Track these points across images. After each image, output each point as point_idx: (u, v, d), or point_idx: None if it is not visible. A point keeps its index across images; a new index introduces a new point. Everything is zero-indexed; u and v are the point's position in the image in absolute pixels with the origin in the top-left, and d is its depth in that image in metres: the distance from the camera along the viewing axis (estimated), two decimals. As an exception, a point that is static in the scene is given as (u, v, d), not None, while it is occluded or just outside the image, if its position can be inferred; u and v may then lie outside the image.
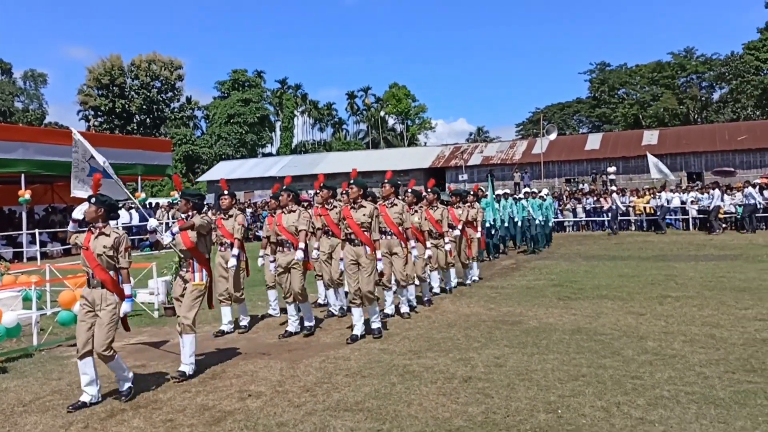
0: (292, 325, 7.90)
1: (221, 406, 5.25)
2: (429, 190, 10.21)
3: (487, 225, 15.20)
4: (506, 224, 16.72)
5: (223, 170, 44.19)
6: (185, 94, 65.38)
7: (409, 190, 9.58)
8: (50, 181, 25.38)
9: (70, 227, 5.71)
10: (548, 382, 5.49)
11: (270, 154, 61.20)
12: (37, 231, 19.79)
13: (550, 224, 19.01)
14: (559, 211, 25.14)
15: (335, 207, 8.58)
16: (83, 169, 9.24)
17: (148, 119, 61.30)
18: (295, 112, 69.60)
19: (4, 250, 19.96)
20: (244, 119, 59.47)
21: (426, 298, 9.63)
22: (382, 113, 73.76)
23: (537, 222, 17.43)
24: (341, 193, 8.73)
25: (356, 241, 7.39)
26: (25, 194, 20.33)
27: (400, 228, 8.33)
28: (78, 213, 5.79)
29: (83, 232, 5.61)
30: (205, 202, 6.65)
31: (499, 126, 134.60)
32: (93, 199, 5.55)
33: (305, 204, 8.74)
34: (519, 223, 17.21)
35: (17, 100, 58.80)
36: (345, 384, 5.69)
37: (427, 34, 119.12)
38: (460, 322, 8.28)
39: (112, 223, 5.72)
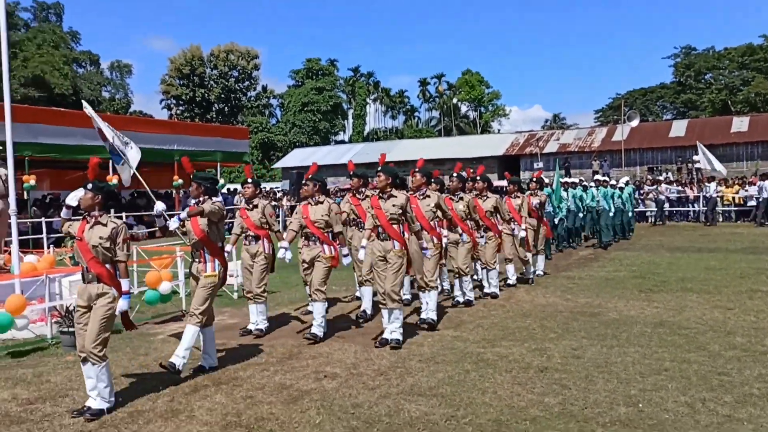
0: (318, 328, 6.98)
1: (298, 385, 5.37)
2: (478, 177, 9.23)
3: (555, 215, 14.51)
4: (579, 214, 15.73)
5: (297, 158, 45.02)
6: (261, 83, 66.89)
7: (454, 174, 8.72)
8: (136, 167, 26.62)
9: (63, 214, 5.21)
10: (628, 376, 5.33)
11: (342, 142, 61.82)
12: (124, 214, 20.82)
13: (630, 214, 18.09)
14: (640, 201, 24.22)
15: (368, 196, 7.83)
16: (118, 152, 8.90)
17: (226, 108, 63.10)
18: (368, 100, 69.99)
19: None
20: (318, 107, 60.28)
21: (466, 298, 8.60)
22: (454, 100, 73.06)
23: (608, 212, 15.94)
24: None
25: (383, 235, 6.65)
26: (113, 179, 21.37)
27: (432, 222, 7.45)
28: (72, 199, 5.10)
29: (78, 220, 5.11)
30: (220, 186, 6.35)
31: (576, 113, 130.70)
32: (89, 185, 4.96)
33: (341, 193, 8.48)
34: (586, 214, 16.12)
35: (104, 90, 61.68)
36: (418, 369, 5.71)
37: (501, 19, 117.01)
38: (536, 312, 8.14)
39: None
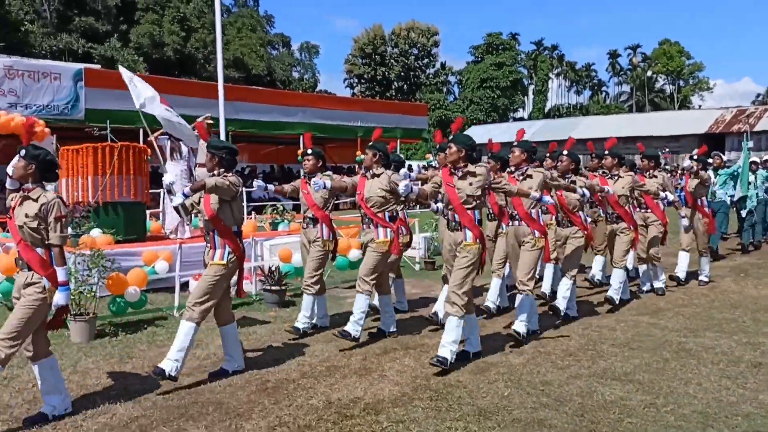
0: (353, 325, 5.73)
1: (484, 357, 5.38)
2: (606, 152, 7.39)
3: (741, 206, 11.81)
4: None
5: (474, 135, 44.66)
6: (440, 60, 67.13)
7: (564, 153, 6.71)
8: (321, 143, 28.28)
9: (8, 184, 4.16)
10: None
11: (521, 119, 60.35)
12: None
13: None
14: None
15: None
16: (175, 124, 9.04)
17: (405, 85, 64.32)
18: (550, 75, 67.45)
19: (287, 201, 22.73)
20: (497, 83, 59.27)
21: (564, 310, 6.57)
22: (649, 73, 67.89)
23: None
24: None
25: (453, 224, 5.20)
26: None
27: (531, 211, 5.97)
28: (10, 168, 4.13)
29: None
30: (239, 159, 5.08)
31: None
32: (22, 151, 4.00)
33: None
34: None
35: (294, 70, 65.66)
36: (611, 353, 5.43)
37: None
38: (746, 303, 7.36)
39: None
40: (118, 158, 8.94)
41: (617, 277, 7.19)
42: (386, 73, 63.14)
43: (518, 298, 5.91)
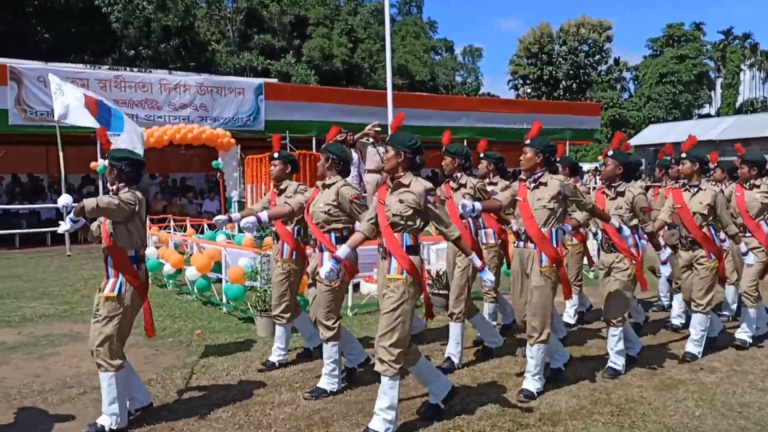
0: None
1: (670, 373, 5.03)
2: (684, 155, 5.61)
3: None
4: None
5: (653, 134, 41.94)
6: (613, 55, 63.75)
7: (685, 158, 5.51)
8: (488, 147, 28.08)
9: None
10: None
11: (708, 115, 55.38)
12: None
13: None
14: None
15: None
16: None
17: (574, 84, 61.90)
18: (742, 66, 61.17)
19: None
20: (678, 78, 54.94)
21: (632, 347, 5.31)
22: None
23: None
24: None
25: (524, 235, 4.57)
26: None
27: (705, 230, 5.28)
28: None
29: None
30: (144, 170, 4.30)
31: None
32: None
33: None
34: None
35: (457, 74, 65.90)
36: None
37: None
38: None
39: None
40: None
41: (697, 323, 5.41)
42: (553, 72, 61.21)
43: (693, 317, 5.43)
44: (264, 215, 4.71)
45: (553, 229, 4.45)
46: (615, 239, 4.90)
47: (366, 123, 10.34)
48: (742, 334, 5.74)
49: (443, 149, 5.40)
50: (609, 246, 4.99)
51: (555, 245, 4.44)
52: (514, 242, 4.77)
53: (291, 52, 37.11)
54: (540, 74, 61.27)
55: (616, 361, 4.95)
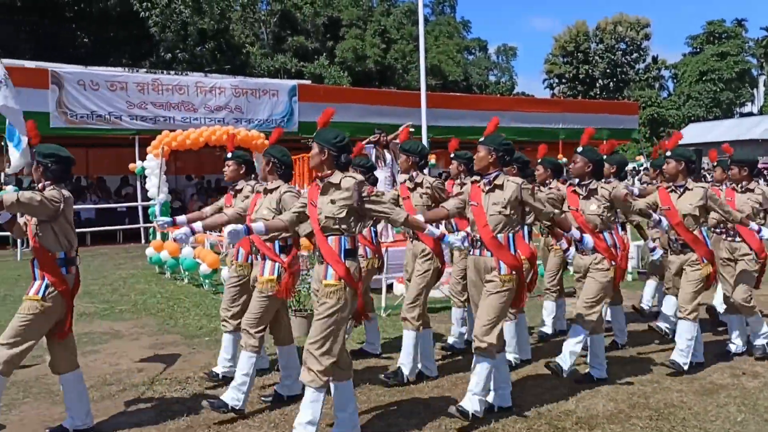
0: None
1: (711, 378, 4.90)
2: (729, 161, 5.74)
3: None
4: None
5: (692, 133, 40.98)
6: (651, 53, 62.58)
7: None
8: (521, 147, 27.84)
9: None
10: None
11: (750, 114, 53.94)
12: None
13: None
14: None
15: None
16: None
17: (611, 83, 60.94)
18: (785, 63, 59.43)
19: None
20: (719, 75, 53.62)
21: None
22: None
23: None
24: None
25: (478, 242, 4.19)
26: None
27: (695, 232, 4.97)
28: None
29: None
30: (72, 167, 4.06)
31: None
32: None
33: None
34: None
35: (491, 74, 65.38)
36: None
37: None
38: None
39: None
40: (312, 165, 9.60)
41: (684, 331, 5.01)
42: (590, 70, 60.36)
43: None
44: (198, 226, 4.47)
45: (510, 234, 4.09)
46: (596, 240, 4.62)
47: (399, 124, 10.36)
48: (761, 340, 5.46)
49: (399, 147, 5.27)
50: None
51: (513, 251, 4.07)
52: (469, 250, 4.28)
53: (324, 54, 37.30)
54: (576, 73, 60.46)
55: (567, 360, 4.62)
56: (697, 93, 54.39)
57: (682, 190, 5.01)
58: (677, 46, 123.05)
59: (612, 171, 5.66)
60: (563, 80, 62.17)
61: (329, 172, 3.76)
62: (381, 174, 9.74)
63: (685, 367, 4.92)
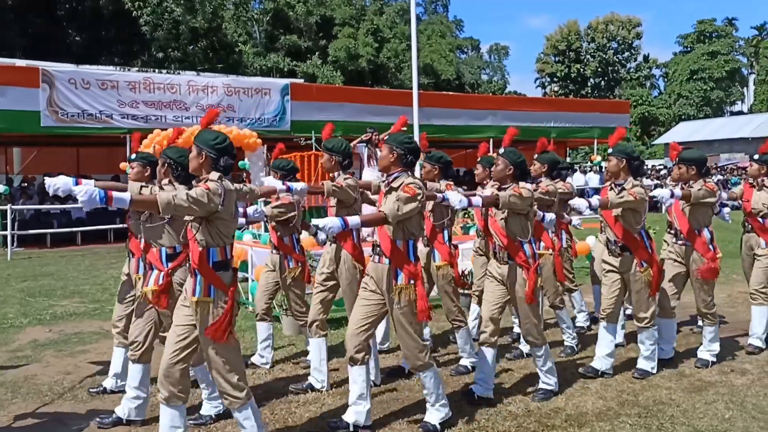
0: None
1: (700, 375, 4.93)
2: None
3: None
4: None
5: (682, 132, 41.29)
6: (642, 52, 62.89)
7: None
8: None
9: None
10: None
11: (740, 113, 54.30)
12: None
13: None
14: None
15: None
16: None
17: (602, 82, 61.19)
18: (775, 61, 59.78)
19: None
20: (710, 74, 53.94)
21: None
22: None
23: None
24: None
25: (377, 248, 3.96)
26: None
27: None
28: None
29: None
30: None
31: None
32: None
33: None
34: None
35: (483, 73, 65.44)
36: None
37: None
38: None
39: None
40: (322, 166, 9.58)
41: (645, 338, 4.91)
42: (581, 69, 60.58)
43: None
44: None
45: (409, 240, 3.84)
46: (511, 250, 4.32)
47: (392, 123, 10.33)
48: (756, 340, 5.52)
49: (322, 145, 4.91)
50: (502, 256, 4.38)
51: (413, 259, 3.82)
52: (371, 256, 4.00)
53: (317, 52, 37.23)
54: (568, 72, 60.66)
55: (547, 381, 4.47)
56: (688, 92, 54.69)
57: (619, 189, 4.73)
58: (668, 45, 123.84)
59: (543, 170, 5.50)
60: (555, 79, 62.34)
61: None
62: (372, 173, 9.72)
63: (653, 372, 4.87)
